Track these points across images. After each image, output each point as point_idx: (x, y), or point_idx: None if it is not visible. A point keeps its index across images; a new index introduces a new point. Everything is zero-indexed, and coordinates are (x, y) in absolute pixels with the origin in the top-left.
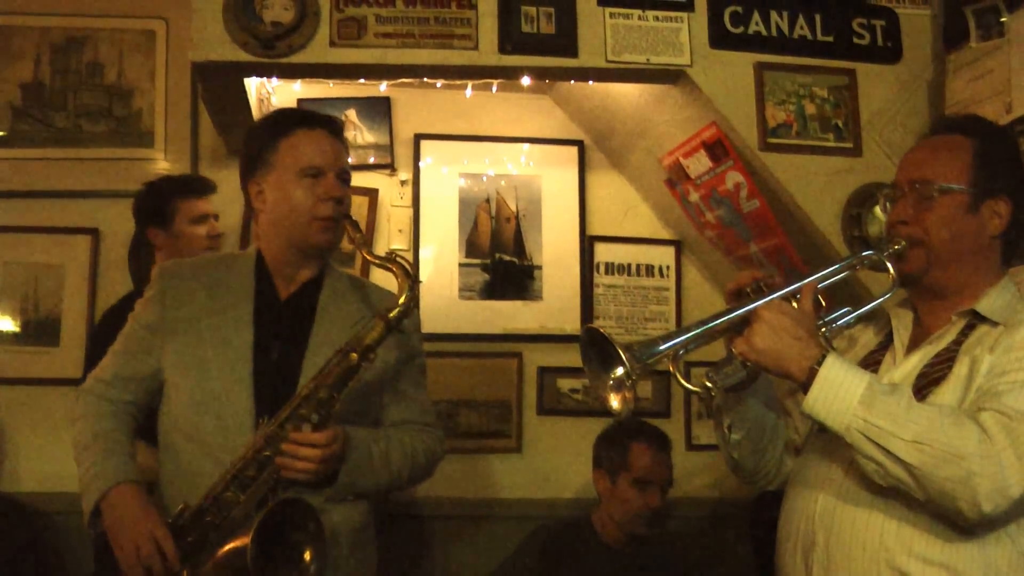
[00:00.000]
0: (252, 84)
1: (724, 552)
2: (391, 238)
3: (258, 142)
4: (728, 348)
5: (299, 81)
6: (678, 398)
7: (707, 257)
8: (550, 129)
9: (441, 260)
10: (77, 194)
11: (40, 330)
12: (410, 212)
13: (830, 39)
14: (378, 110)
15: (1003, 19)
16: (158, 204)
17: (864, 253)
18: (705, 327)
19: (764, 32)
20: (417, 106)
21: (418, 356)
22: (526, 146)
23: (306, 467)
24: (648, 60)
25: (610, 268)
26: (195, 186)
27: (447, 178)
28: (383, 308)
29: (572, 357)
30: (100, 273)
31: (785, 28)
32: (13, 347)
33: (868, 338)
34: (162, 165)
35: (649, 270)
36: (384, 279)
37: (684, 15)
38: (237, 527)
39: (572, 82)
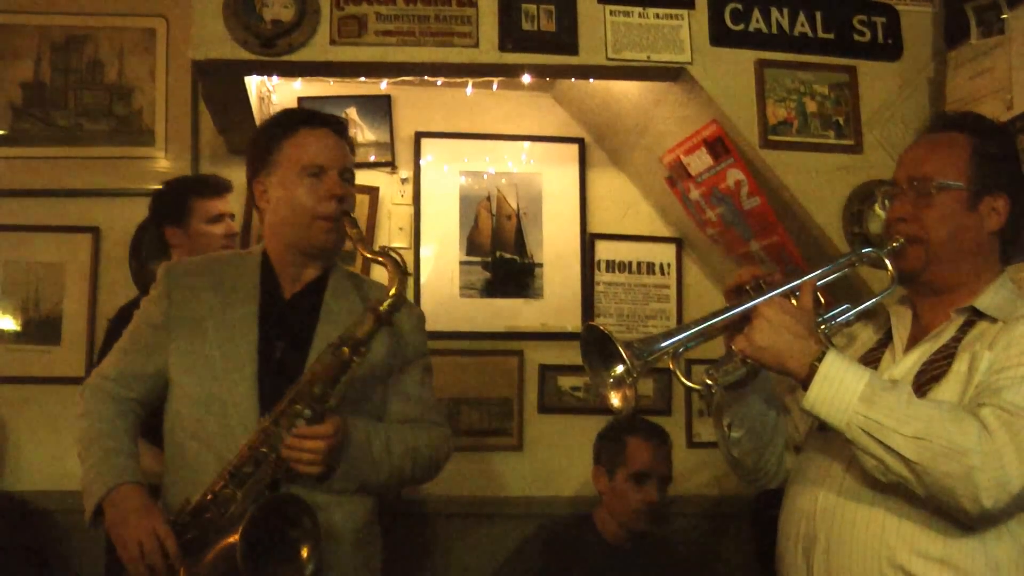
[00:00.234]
0: (252, 82)
1: (725, 550)
2: (392, 236)
3: (263, 142)
4: (728, 345)
5: (299, 79)
6: (679, 396)
7: (708, 255)
8: (551, 127)
9: (442, 258)
10: (78, 193)
11: (41, 329)
12: (411, 210)
13: (831, 36)
14: (379, 108)
15: (1004, 16)
16: (175, 203)
17: (863, 250)
18: (705, 324)
19: (765, 29)
20: (418, 104)
21: (423, 355)
22: (527, 144)
23: (313, 459)
24: (648, 58)
25: (611, 266)
26: (211, 186)
27: (448, 176)
28: (374, 301)
29: (573, 355)
30: (101, 272)
31: (786, 25)
32: (14, 346)
33: (867, 335)
34: (162, 164)
35: (650, 268)
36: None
37: (684, 12)
38: (235, 524)
39: (573, 80)
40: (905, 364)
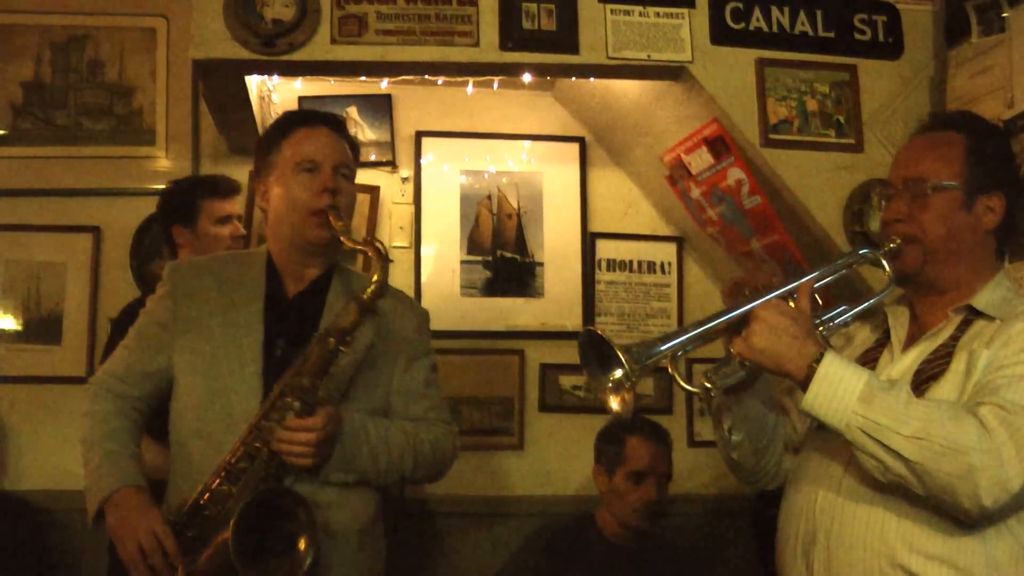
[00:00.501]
0: (253, 82)
1: (727, 548)
2: (392, 235)
3: (264, 144)
4: (727, 348)
5: (300, 79)
6: (680, 394)
7: (709, 254)
8: (551, 126)
9: (442, 257)
10: (78, 192)
11: (42, 328)
12: (411, 209)
13: (831, 35)
14: (379, 107)
15: (1004, 14)
16: (184, 203)
17: (860, 251)
18: (703, 328)
19: (765, 28)
20: (418, 103)
21: (427, 354)
22: (527, 143)
23: (303, 452)
24: (649, 57)
25: (612, 265)
26: (220, 186)
27: (448, 175)
28: (358, 290)
29: (574, 354)
30: (102, 271)
31: (786, 24)
32: (15, 345)
33: (865, 336)
34: (163, 163)
35: (651, 267)
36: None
37: (685, 11)
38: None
39: (573, 79)
40: (903, 364)
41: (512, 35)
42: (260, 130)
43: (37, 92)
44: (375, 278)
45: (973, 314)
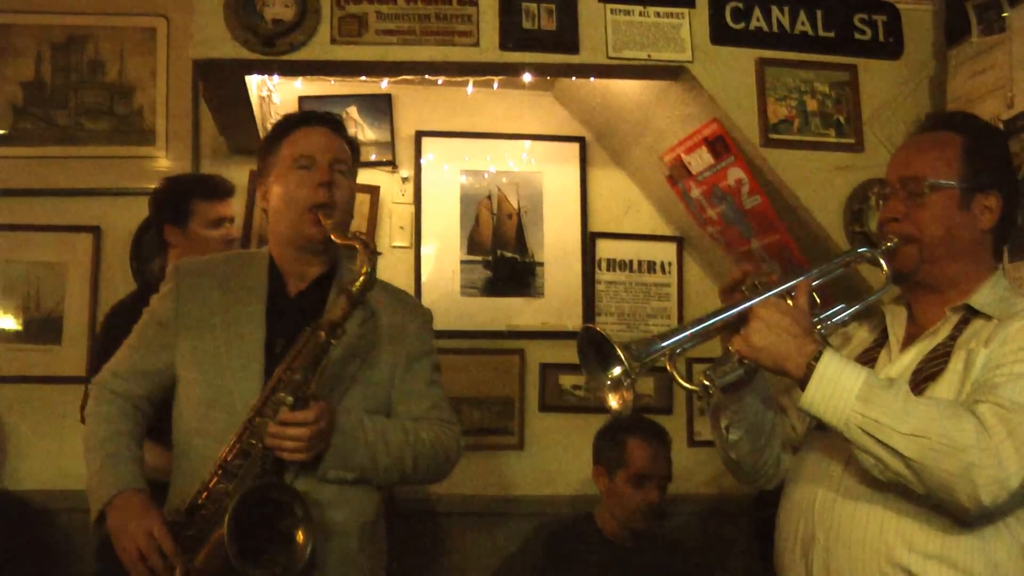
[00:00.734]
0: (253, 82)
1: (726, 548)
2: (392, 235)
3: (265, 146)
4: (725, 347)
5: (300, 79)
6: (680, 394)
7: (709, 253)
8: (551, 126)
9: (443, 257)
10: (78, 192)
11: (42, 328)
12: (411, 209)
13: (831, 35)
14: (379, 107)
15: (1005, 14)
16: (177, 203)
17: (858, 251)
18: (702, 325)
19: (765, 28)
20: (418, 103)
21: (430, 353)
22: (527, 143)
23: (296, 446)
24: (649, 56)
25: (612, 264)
26: (214, 188)
27: (448, 175)
28: (346, 282)
29: (574, 353)
30: (102, 271)
31: (786, 24)
32: (15, 345)
33: (863, 335)
34: (163, 163)
35: (651, 266)
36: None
37: (685, 11)
38: None
39: (573, 79)
40: (901, 362)
41: (512, 35)
42: (260, 130)
43: (37, 92)
44: (364, 270)
45: (971, 313)
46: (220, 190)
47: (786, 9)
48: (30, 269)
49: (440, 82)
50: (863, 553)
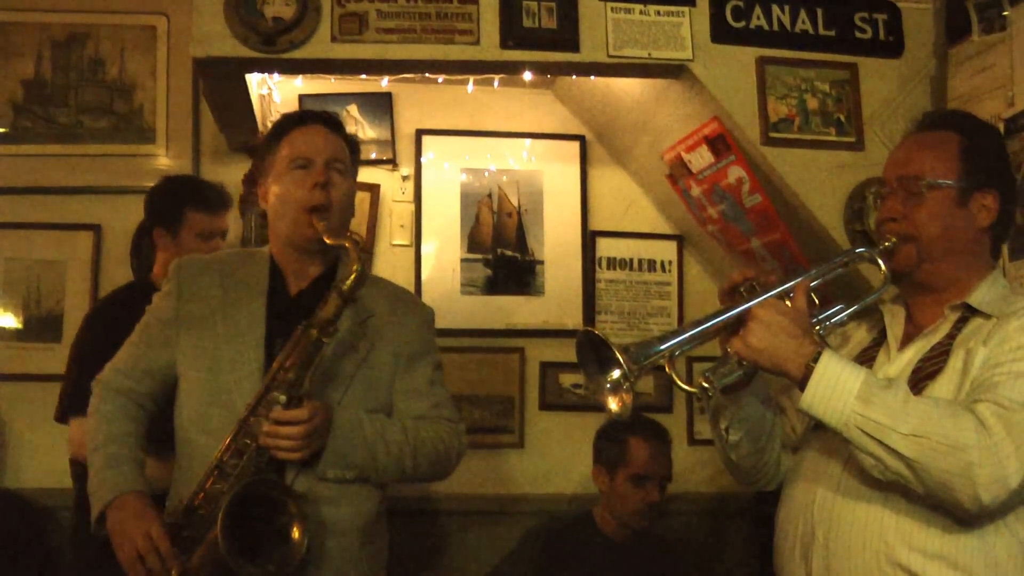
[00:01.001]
0: (253, 80)
1: (726, 547)
2: (393, 233)
3: (264, 147)
4: (724, 348)
5: (300, 77)
6: (680, 393)
7: (709, 252)
8: (552, 124)
9: (443, 255)
10: (79, 190)
11: (42, 326)
12: (412, 207)
13: (832, 33)
14: (379, 105)
15: (1005, 13)
16: (169, 208)
17: (856, 251)
18: (701, 327)
19: (766, 26)
20: (419, 101)
21: (431, 352)
22: (528, 141)
23: (291, 445)
24: (649, 55)
25: (612, 263)
26: (209, 200)
27: (449, 173)
28: (338, 280)
29: (574, 352)
30: (102, 269)
31: (787, 22)
32: (15, 343)
33: (861, 335)
34: (163, 161)
35: (651, 265)
36: (391, 274)
37: (685, 9)
38: None
39: (574, 77)
40: (900, 362)
41: (513, 33)
42: (260, 128)
43: (37, 90)
44: (355, 267)
45: (969, 312)
46: (215, 202)
47: (787, 8)
48: (30, 267)
49: (440, 80)
50: (863, 552)
